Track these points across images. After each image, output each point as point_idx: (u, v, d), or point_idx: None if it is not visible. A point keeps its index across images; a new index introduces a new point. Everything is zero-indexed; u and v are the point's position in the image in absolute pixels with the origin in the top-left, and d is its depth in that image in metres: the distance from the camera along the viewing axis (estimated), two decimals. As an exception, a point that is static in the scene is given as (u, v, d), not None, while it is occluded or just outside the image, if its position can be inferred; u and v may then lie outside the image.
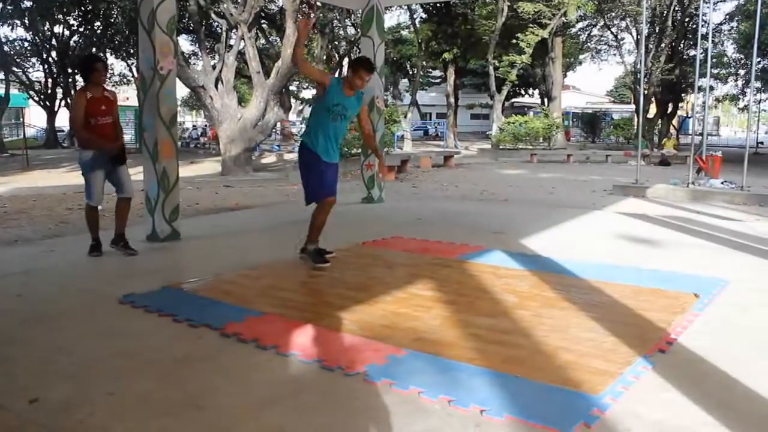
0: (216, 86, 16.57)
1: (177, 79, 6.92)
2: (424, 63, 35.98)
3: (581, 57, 41.90)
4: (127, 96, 36.11)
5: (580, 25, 35.43)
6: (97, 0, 23.53)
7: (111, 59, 31.91)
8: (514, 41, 27.79)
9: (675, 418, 2.45)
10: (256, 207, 9.78)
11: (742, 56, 30.58)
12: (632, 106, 36.95)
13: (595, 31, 36.70)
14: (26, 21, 25.00)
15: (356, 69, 4.97)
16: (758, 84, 29.74)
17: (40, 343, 3.33)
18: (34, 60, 33.09)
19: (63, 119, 37.00)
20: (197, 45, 22.11)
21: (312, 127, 5.08)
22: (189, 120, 48.29)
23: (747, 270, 5.01)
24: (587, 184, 13.69)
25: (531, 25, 27.37)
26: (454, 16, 31.84)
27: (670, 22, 27.37)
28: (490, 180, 15.10)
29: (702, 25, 12.48)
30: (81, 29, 29.50)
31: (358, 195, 9.59)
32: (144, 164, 6.23)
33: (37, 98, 33.84)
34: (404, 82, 45.99)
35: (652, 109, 31.64)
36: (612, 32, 33.08)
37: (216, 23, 22.08)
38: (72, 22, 29.19)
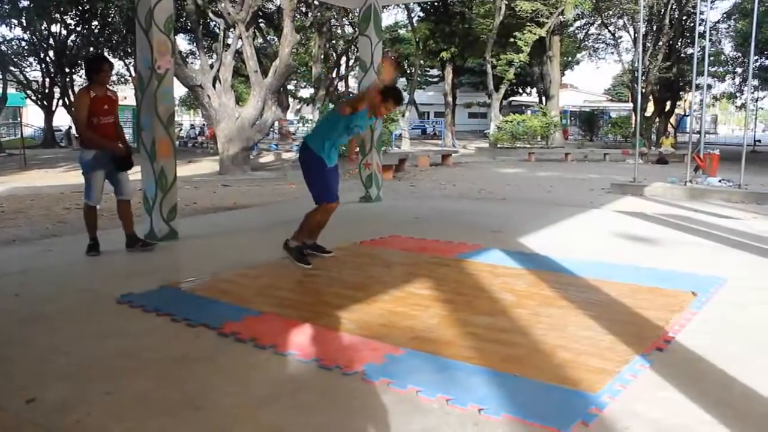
0: (214, 85, 16.56)
1: (174, 79, 6.91)
2: (421, 62, 35.99)
3: (579, 56, 41.94)
4: (125, 95, 36.08)
5: (577, 23, 35.44)
6: (95, -1, 23.57)
7: (108, 58, 31.88)
8: (511, 40, 27.84)
9: (673, 416, 2.45)
10: (254, 206, 9.78)
11: (740, 54, 30.62)
12: (630, 105, 37.03)
13: (592, 30, 36.75)
14: (24, 20, 24.95)
15: (388, 99, 4.95)
16: (756, 82, 29.82)
17: (37, 343, 3.33)
18: (31, 59, 33.04)
19: (60, 119, 37.05)
20: (195, 44, 22.12)
21: (322, 134, 5.08)
22: (187, 119, 48.25)
23: (745, 268, 5.01)
24: (585, 183, 13.70)
25: (529, 23, 27.41)
26: (452, 14, 31.84)
27: (667, 21, 27.41)
28: (488, 179, 15.11)
29: (699, 24, 12.48)
30: (78, 29, 29.46)
31: (356, 194, 9.59)
32: (142, 164, 6.22)
33: (34, 98, 33.80)
34: (402, 81, 45.98)
35: (650, 108, 31.66)
36: (609, 31, 33.12)
37: (213, 22, 22.10)
38: (69, 21, 29.14)
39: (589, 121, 38.47)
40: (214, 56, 19.80)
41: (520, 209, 8.84)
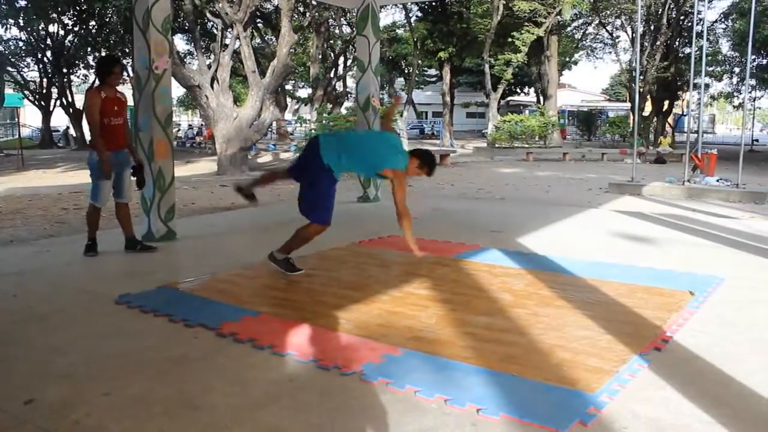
0: (212, 86, 16.54)
1: (172, 79, 6.90)
2: (419, 62, 36.02)
3: (577, 56, 41.96)
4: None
5: (575, 23, 35.46)
6: (92, -1, 23.52)
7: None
8: (509, 40, 27.84)
9: (671, 415, 2.45)
10: (252, 206, 9.75)
11: (737, 54, 30.65)
12: (628, 104, 37.06)
13: (590, 30, 36.77)
14: (21, 20, 24.91)
15: (423, 167, 4.92)
16: (753, 81, 29.84)
17: (35, 344, 3.33)
18: (29, 60, 32.99)
19: (58, 119, 37.01)
20: (192, 44, 22.10)
21: (348, 158, 4.72)
22: (185, 119, 48.22)
23: (742, 267, 5.02)
24: (583, 183, 13.71)
25: (526, 23, 27.42)
26: (450, 14, 31.86)
27: (665, 20, 27.42)
28: (486, 178, 15.12)
29: (697, 23, 12.50)
30: (76, 29, 29.41)
31: (354, 194, 9.59)
32: (140, 164, 6.22)
33: (32, 98, 33.76)
34: (400, 81, 46.01)
35: (648, 107, 31.69)
36: (607, 30, 33.14)
37: (211, 22, 22.07)
38: (67, 21, 29.10)
39: (587, 120, 38.49)
40: (212, 56, 19.78)
41: (519, 209, 8.85)
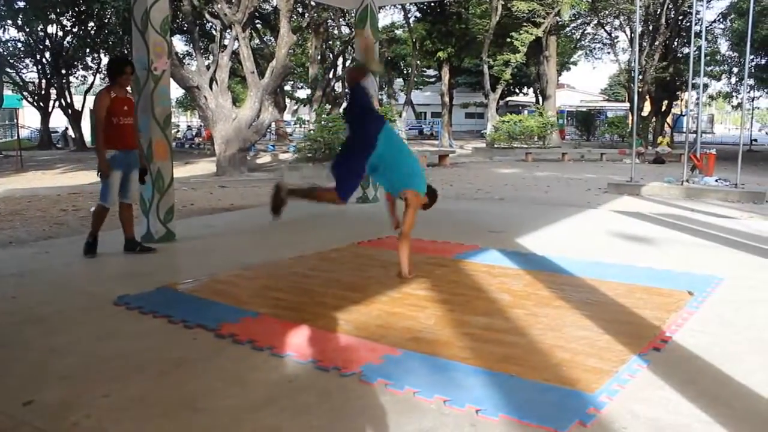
0: (210, 86, 16.53)
1: (171, 80, 6.90)
2: (418, 62, 36.00)
3: (576, 56, 41.96)
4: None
5: (574, 23, 35.46)
6: (91, 0, 23.44)
7: (105, 60, 31.80)
8: (508, 40, 27.84)
9: (670, 415, 2.45)
10: (251, 207, 9.76)
11: (736, 54, 30.68)
12: (627, 105, 37.08)
13: (589, 30, 36.77)
14: (19, 22, 24.89)
15: (427, 202, 4.91)
16: (751, 81, 29.86)
17: (34, 345, 3.32)
18: (27, 61, 32.96)
19: (57, 120, 36.97)
20: (191, 45, 22.04)
21: (385, 171, 4.66)
22: (183, 120, 48.20)
23: (741, 267, 5.03)
24: (582, 183, 13.72)
25: (525, 23, 27.42)
26: (449, 15, 31.85)
27: (663, 21, 27.43)
28: (485, 179, 15.11)
29: (695, 23, 12.51)
30: (75, 30, 29.37)
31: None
32: (138, 165, 6.22)
33: (30, 99, 33.73)
34: (399, 82, 46.00)
35: (647, 107, 31.70)
36: (606, 30, 33.15)
37: (210, 23, 22.03)
38: (65, 22, 29.06)
39: (585, 121, 38.47)
40: (211, 57, 19.74)
41: (518, 209, 8.85)
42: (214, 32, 21.09)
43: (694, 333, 3.40)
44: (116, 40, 26.43)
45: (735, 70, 32.02)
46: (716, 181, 11.41)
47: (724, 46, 33.20)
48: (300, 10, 27.54)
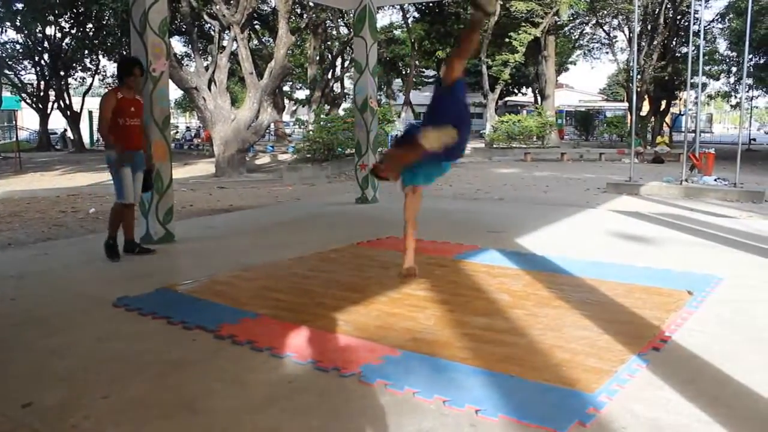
0: (209, 88, 16.53)
1: (170, 81, 6.90)
2: (417, 62, 36.00)
3: (574, 56, 41.95)
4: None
5: (572, 23, 35.47)
6: (90, 2, 23.41)
7: (103, 61, 31.84)
8: (507, 40, 27.84)
9: (670, 415, 2.45)
10: (250, 208, 9.77)
11: (734, 53, 30.70)
12: (625, 104, 37.05)
13: (587, 29, 36.78)
14: (18, 23, 24.87)
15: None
16: (750, 81, 29.86)
17: (33, 347, 3.32)
18: (26, 62, 32.93)
19: (56, 122, 36.95)
20: (190, 46, 22.03)
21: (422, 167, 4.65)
22: (182, 121, 48.18)
23: (741, 267, 5.03)
24: (581, 183, 13.72)
25: (524, 23, 27.42)
26: (447, 15, 31.86)
27: (662, 20, 27.44)
28: (484, 179, 15.11)
29: (694, 23, 12.51)
30: (73, 31, 29.35)
31: (352, 195, 9.59)
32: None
33: (29, 101, 33.70)
34: (397, 82, 45.99)
35: (645, 107, 31.72)
36: (604, 30, 33.15)
37: (208, 24, 22.02)
38: (64, 24, 29.04)
39: (584, 120, 38.45)
40: (210, 58, 19.74)
41: (517, 209, 8.85)
42: (212, 33, 21.09)
43: (694, 333, 3.40)
44: (115, 41, 26.41)
45: (733, 69, 32.05)
46: (715, 180, 11.42)
47: (722, 45, 33.26)
48: (298, 10, 27.54)
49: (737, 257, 5.45)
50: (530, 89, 42.29)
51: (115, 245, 5.54)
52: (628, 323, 3.55)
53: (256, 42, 30.66)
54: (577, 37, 38.26)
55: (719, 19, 31.14)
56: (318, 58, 31.13)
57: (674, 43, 29.69)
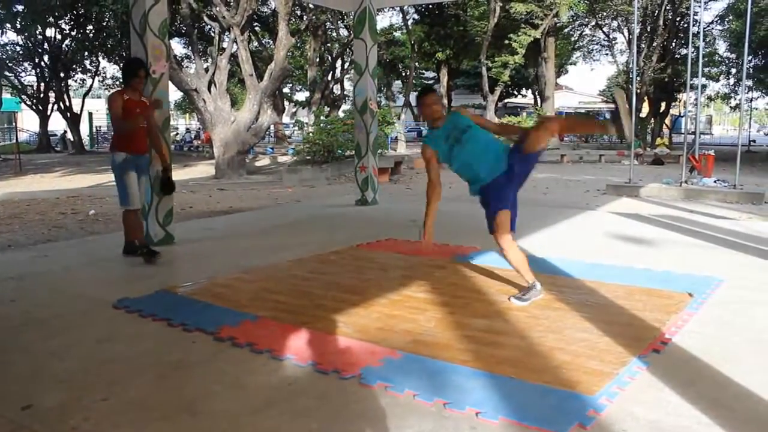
0: (209, 89, 16.53)
1: (170, 83, 6.90)
2: (417, 64, 36.00)
3: (574, 57, 41.96)
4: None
5: (571, 25, 35.50)
6: (90, 3, 23.42)
7: (103, 63, 31.84)
8: (506, 42, 27.85)
9: (670, 417, 2.45)
10: (250, 210, 9.76)
11: (734, 55, 30.72)
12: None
13: (587, 31, 36.81)
14: (18, 25, 24.88)
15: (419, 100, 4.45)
16: (749, 82, 29.87)
17: (33, 349, 3.32)
18: (26, 64, 32.94)
19: (56, 124, 36.97)
20: (190, 48, 22.02)
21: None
22: (182, 123, 48.20)
23: (741, 269, 5.02)
24: (581, 184, 13.72)
25: (523, 25, 27.44)
26: (447, 17, 31.88)
27: (661, 22, 27.47)
28: (484, 181, 15.08)
29: (693, 24, 12.52)
30: (73, 33, 29.36)
31: (352, 197, 9.59)
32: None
33: (29, 102, 33.72)
34: (397, 84, 46.02)
35: (645, 109, 31.73)
36: (604, 32, 33.18)
37: (208, 26, 22.04)
38: (64, 26, 29.05)
39: (584, 122, 38.40)
40: (209, 60, 19.74)
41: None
42: (212, 35, 21.11)
43: (694, 335, 3.40)
44: (115, 43, 26.41)
45: (733, 71, 32.07)
46: (715, 182, 11.42)
47: (722, 47, 33.27)
48: (298, 12, 27.55)
49: (737, 259, 5.44)
50: (530, 91, 42.31)
51: (148, 248, 5.50)
52: (629, 325, 3.55)
53: (256, 44, 30.68)
54: (576, 38, 38.29)
55: (719, 21, 31.15)
56: (318, 59, 31.14)
57: (674, 44, 29.71)
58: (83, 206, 10.62)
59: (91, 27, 28.18)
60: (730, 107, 38.13)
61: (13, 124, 30.44)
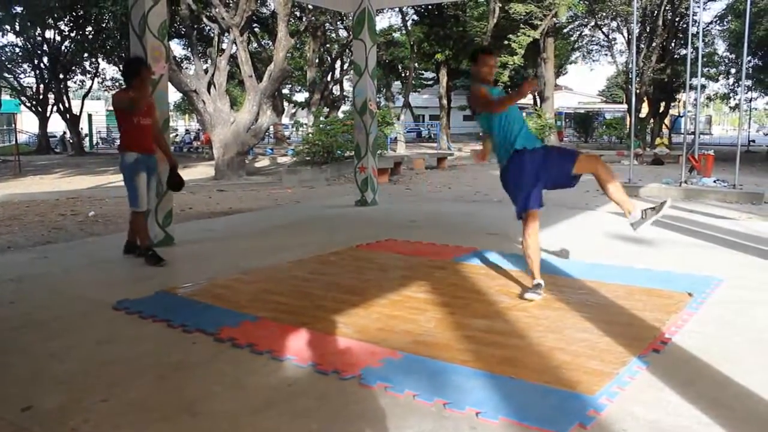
0: (208, 90, 16.52)
1: (169, 84, 6.90)
2: (416, 65, 36.02)
3: (573, 57, 41.98)
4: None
5: (571, 25, 35.53)
6: (89, 5, 23.43)
7: (103, 64, 31.84)
8: (506, 42, 27.86)
9: (671, 417, 2.45)
10: (250, 211, 9.76)
11: (733, 55, 30.73)
12: (624, 106, 37.09)
13: (586, 32, 36.84)
14: (17, 26, 24.89)
15: (477, 58, 4.48)
16: (749, 82, 29.88)
17: (32, 350, 3.32)
18: (25, 65, 32.93)
19: (55, 125, 36.96)
20: (189, 49, 22.04)
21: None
22: (182, 124, 48.21)
23: (741, 268, 5.02)
24: (580, 184, 13.65)
25: (522, 26, 27.45)
26: (446, 17, 31.89)
27: (660, 22, 27.48)
28: (484, 181, 15.10)
29: (693, 24, 12.53)
30: (72, 34, 29.36)
31: (351, 198, 9.58)
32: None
33: (28, 104, 33.71)
34: (397, 84, 46.05)
35: (644, 109, 31.75)
36: (603, 32, 33.20)
37: (208, 27, 22.04)
38: (63, 27, 29.05)
39: (583, 122, 38.51)
40: (209, 61, 19.75)
41: (516, 211, 8.82)
42: (212, 36, 21.11)
43: (694, 334, 3.40)
44: (114, 44, 26.40)
45: (732, 71, 32.09)
46: (714, 182, 11.41)
47: (721, 47, 33.31)
48: (298, 13, 27.56)
49: (737, 259, 5.44)
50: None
51: (153, 252, 5.47)
52: (629, 325, 3.55)
53: (255, 45, 30.69)
54: (575, 39, 38.32)
55: (718, 21, 31.18)
56: (317, 60, 31.16)
57: (673, 44, 29.73)
58: (83, 207, 10.62)
59: (90, 28, 28.19)
60: (730, 107, 38.16)
61: (13, 125, 30.41)
